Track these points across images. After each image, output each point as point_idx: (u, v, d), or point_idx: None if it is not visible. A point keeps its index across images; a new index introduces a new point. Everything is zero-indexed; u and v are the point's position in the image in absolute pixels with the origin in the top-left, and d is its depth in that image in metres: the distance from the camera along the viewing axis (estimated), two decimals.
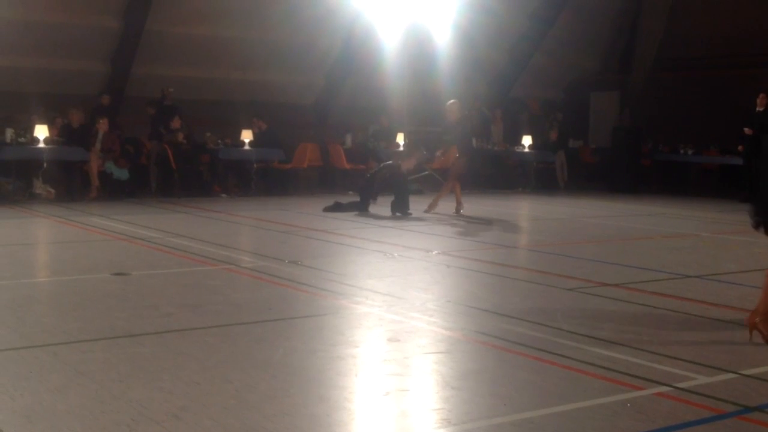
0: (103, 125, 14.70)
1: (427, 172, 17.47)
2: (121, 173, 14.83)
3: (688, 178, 19.66)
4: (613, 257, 9.18)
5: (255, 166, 16.08)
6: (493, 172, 18.84)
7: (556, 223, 12.86)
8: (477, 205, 14.46)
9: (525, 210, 15.39)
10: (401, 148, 16.95)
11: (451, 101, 13.53)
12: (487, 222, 12.69)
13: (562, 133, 19.58)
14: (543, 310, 6.32)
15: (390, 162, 13.97)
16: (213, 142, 16.10)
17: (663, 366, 4.82)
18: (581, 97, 22.08)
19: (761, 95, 16.00)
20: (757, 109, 16.09)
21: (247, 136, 15.96)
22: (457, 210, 13.11)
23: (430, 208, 13.22)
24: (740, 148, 16.85)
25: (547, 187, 18.53)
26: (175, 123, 15.41)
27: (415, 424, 4.00)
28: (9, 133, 14.12)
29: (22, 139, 14.21)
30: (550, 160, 19.10)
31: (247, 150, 15.92)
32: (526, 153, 18.88)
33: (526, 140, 18.92)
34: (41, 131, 13.97)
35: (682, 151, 19.04)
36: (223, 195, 15.45)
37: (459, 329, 5.71)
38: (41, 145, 13.95)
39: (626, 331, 5.68)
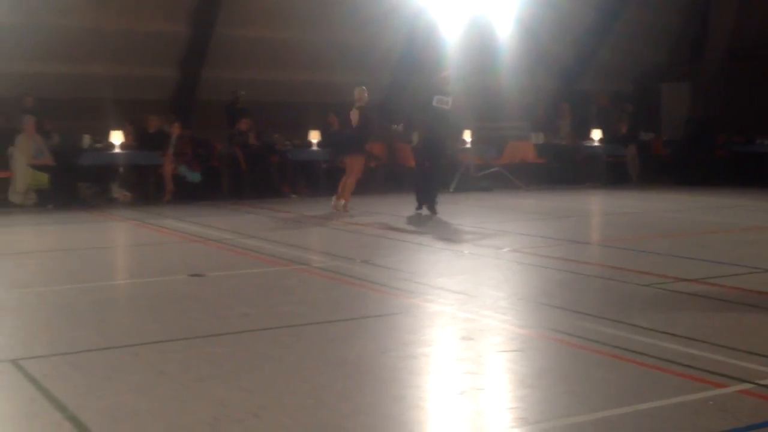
0: (176, 129, 15.00)
1: (495, 169, 17.37)
2: (194, 176, 15.12)
3: (765, 169, 19.10)
4: (689, 252, 8.98)
5: (323, 166, 16.21)
6: (561, 167, 18.61)
7: (629, 218, 12.64)
8: (546, 201, 14.33)
9: (596, 205, 15.18)
10: (468, 145, 16.90)
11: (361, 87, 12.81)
12: (557, 218, 12.55)
13: (632, 126, 19.25)
14: (618, 306, 6.23)
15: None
16: (281, 143, 16.30)
17: (743, 362, 4.71)
18: (651, 89, 21.65)
19: None
20: None
21: (315, 137, 16.11)
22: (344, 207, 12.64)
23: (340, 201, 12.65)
24: None
25: (618, 181, 18.24)
26: (242, 125, 15.62)
27: (490, 423, 3.99)
28: (86, 139, 14.56)
29: (99, 145, 14.63)
30: (620, 153, 18.81)
31: (315, 150, 16.07)
32: (596, 147, 18.62)
33: (596, 134, 18.67)
34: (117, 137, 14.36)
35: (758, 142, 18.52)
36: (293, 195, 15.61)
37: (532, 327, 5.67)
38: (117, 150, 14.34)
39: (705, 327, 5.56)
